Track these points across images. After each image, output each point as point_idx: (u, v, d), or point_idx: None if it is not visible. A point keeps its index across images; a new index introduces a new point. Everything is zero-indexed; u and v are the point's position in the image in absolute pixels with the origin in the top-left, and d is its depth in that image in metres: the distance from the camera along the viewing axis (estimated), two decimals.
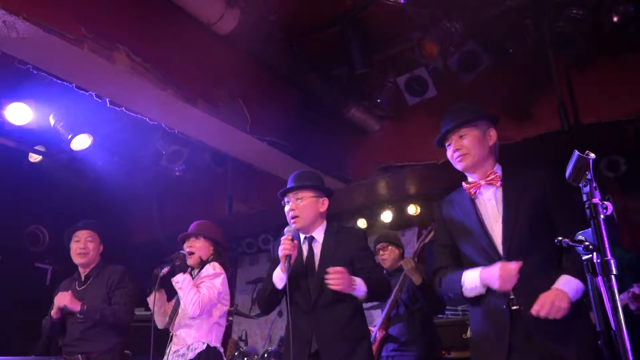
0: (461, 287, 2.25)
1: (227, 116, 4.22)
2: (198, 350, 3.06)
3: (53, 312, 3.50)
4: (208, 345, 3.10)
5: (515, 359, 2.08)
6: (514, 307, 2.11)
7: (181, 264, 3.12)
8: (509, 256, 2.14)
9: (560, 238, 1.58)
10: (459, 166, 2.36)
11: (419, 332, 4.03)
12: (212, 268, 3.19)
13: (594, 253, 1.48)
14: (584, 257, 1.51)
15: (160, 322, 3.26)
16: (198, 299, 3.02)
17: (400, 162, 5.11)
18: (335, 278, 2.46)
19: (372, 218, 6.18)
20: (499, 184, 2.28)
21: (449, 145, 2.39)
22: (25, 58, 3.27)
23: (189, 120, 4.16)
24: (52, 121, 4.75)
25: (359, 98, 4.83)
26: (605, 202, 1.52)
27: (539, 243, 2.12)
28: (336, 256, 2.68)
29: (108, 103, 3.80)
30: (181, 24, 3.69)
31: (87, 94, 3.67)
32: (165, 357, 3.17)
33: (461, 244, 2.35)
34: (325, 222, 2.83)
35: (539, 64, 4.28)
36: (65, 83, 3.52)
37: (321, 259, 2.71)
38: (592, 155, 1.56)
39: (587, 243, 1.50)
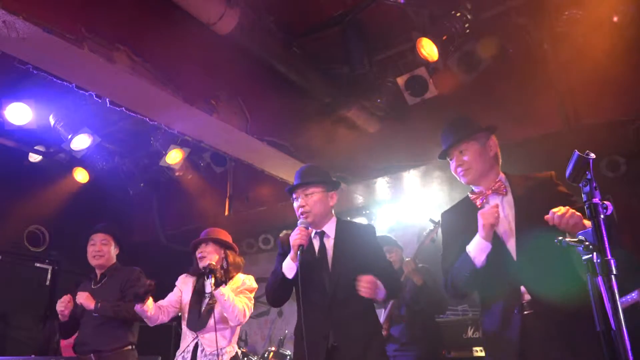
0: (471, 259, 2.19)
1: (227, 116, 4.22)
2: (231, 355, 3.25)
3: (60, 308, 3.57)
4: (237, 352, 3.32)
5: None
6: (526, 312, 2.09)
7: (221, 276, 3.21)
8: (523, 265, 2.12)
9: (560, 238, 1.58)
10: (463, 180, 2.39)
11: (421, 333, 4.04)
12: (249, 280, 3.39)
13: (594, 253, 1.48)
14: (584, 257, 1.51)
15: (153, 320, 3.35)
16: (244, 311, 3.20)
17: (400, 162, 5.11)
18: (367, 287, 2.50)
19: (372, 218, 6.18)
20: (505, 191, 2.28)
21: (452, 160, 2.42)
22: (25, 58, 3.27)
23: (189, 120, 4.16)
24: (52, 121, 4.76)
25: (359, 98, 4.83)
26: (605, 202, 1.52)
27: (553, 249, 2.07)
28: (350, 253, 2.68)
29: (108, 103, 3.80)
30: (181, 24, 3.69)
31: (87, 94, 3.67)
32: (188, 355, 3.24)
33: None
34: (334, 217, 2.85)
35: (539, 64, 4.28)
36: (65, 83, 3.52)
37: (335, 255, 2.70)
38: (592, 155, 1.56)
39: (587, 243, 1.50)
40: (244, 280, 3.37)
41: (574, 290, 1.97)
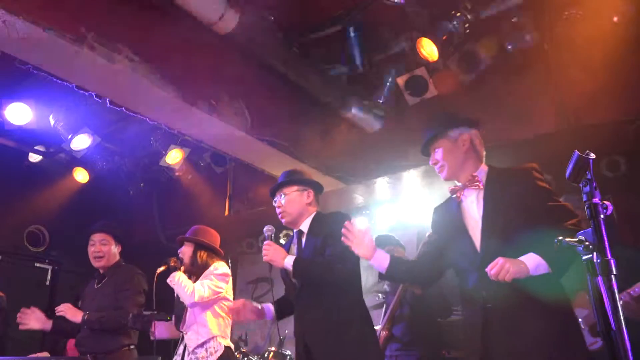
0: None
1: (227, 116, 4.22)
2: (218, 354, 3.20)
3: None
4: (225, 347, 3.26)
5: (487, 354, 2.12)
6: (488, 305, 2.14)
7: (175, 264, 3.34)
8: (485, 258, 2.16)
9: (560, 238, 1.58)
10: (441, 177, 2.46)
11: (423, 332, 4.04)
12: (214, 267, 3.37)
13: (594, 253, 1.48)
14: (584, 257, 1.50)
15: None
16: (193, 288, 3.18)
17: (400, 162, 5.10)
18: (265, 249, 2.66)
19: (372, 218, 6.17)
20: (481, 185, 2.31)
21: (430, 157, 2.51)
22: (25, 58, 3.27)
23: (189, 120, 4.16)
24: (52, 121, 4.76)
25: (359, 98, 4.83)
26: (605, 202, 1.52)
27: (517, 243, 2.12)
28: (314, 246, 2.71)
29: (108, 103, 3.80)
30: (181, 24, 3.69)
31: (87, 94, 3.67)
32: (178, 357, 3.31)
33: (449, 248, 2.39)
34: (314, 214, 2.86)
35: (539, 64, 4.28)
36: (65, 83, 3.53)
37: (303, 251, 2.78)
38: (592, 155, 1.56)
39: (587, 243, 1.50)
40: (210, 268, 3.39)
41: (529, 284, 2.03)
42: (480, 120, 2.49)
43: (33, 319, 3.66)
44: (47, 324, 3.68)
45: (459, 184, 2.40)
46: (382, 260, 2.39)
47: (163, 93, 3.71)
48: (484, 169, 2.38)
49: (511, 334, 2.07)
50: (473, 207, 2.31)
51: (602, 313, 1.43)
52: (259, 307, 2.86)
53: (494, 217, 2.20)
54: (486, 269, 2.04)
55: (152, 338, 3.47)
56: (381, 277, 2.48)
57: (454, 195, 2.39)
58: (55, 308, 3.62)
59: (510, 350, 2.07)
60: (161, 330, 3.48)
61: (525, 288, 2.03)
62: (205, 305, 3.26)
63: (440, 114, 2.57)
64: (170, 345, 3.89)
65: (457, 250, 2.32)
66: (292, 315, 2.85)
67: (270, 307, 2.88)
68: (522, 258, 2.04)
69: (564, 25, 3.86)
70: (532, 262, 2.02)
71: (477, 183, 2.31)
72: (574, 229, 1.97)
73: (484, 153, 2.45)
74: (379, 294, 4.65)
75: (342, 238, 2.38)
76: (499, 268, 2.00)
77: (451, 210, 2.40)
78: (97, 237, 3.76)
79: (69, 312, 3.55)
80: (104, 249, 3.73)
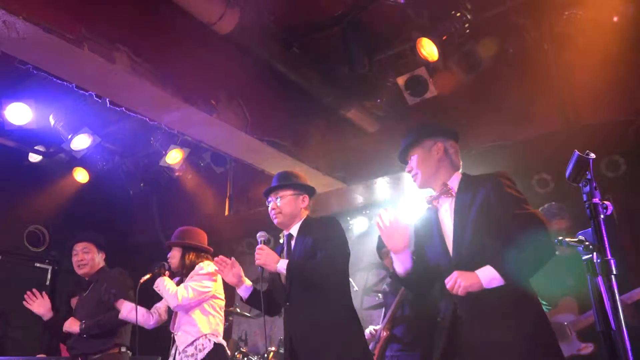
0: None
1: (227, 116, 4.22)
2: (207, 350, 3.24)
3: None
4: (215, 344, 3.28)
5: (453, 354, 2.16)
6: (458, 307, 2.18)
7: (160, 271, 3.40)
8: (458, 263, 2.20)
9: (560, 238, 1.58)
10: (415, 185, 2.50)
11: (424, 333, 4.02)
12: (199, 267, 3.42)
13: (594, 253, 1.48)
14: (584, 257, 1.50)
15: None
16: (175, 290, 3.25)
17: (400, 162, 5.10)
18: (257, 254, 2.69)
19: (372, 218, 6.17)
20: (453, 193, 2.34)
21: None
22: (25, 58, 3.27)
23: (189, 120, 4.16)
24: (52, 121, 4.76)
25: (359, 98, 4.83)
26: (605, 202, 1.52)
27: (485, 248, 2.16)
28: (303, 250, 2.75)
29: (108, 103, 3.81)
30: (181, 24, 3.69)
31: (87, 94, 3.67)
32: (172, 358, 3.34)
33: (428, 254, 2.42)
34: (304, 218, 2.91)
35: (539, 64, 4.28)
36: (65, 83, 3.53)
37: (292, 253, 2.81)
38: (592, 155, 1.56)
39: (587, 243, 1.50)
40: (196, 268, 3.42)
41: (498, 290, 2.07)
42: (458, 133, 2.52)
43: (37, 304, 3.72)
44: (48, 314, 3.74)
45: (434, 192, 2.43)
46: (406, 260, 2.34)
47: (163, 93, 3.71)
48: (457, 176, 2.41)
49: (482, 337, 2.10)
50: (447, 215, 2.34)
51: (602, 313, 1.43)
52: (244, 278, 2.89)
53: (462, 226, 2.24)
54: (445, 280, 2.11)
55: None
56: (401, 281, 2.42)
57: (430, 205, 2.42)
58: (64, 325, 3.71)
59: (481, 351, 2.09)
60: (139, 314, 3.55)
61: (495, 294, 2.07)
62: (193, 305, 3.30)
63: (420, 124, 2.65)
64: (170, 345, 3.89)
65: (435, 258, 2.35)
66: (278, 315, 2.91)
67: (250, 288, 2.90)
68: (478, 271, 2.10)
69: (564, 25, 3.87)
70: (486, 276, 2.08)
71: (450, 191, 2.34)
72: (542, 239, 2.02)
73: (461, 163, 2.47)
74: (379, 294, 4.65)
75: (378, 228, 2.37)
76: (453, 283, 2.10)
77: (430, 219, 2.43)
78: (79, 247, 3.81)
79: (68, 326, 3.64)
80: (86, 257, 3.79)
